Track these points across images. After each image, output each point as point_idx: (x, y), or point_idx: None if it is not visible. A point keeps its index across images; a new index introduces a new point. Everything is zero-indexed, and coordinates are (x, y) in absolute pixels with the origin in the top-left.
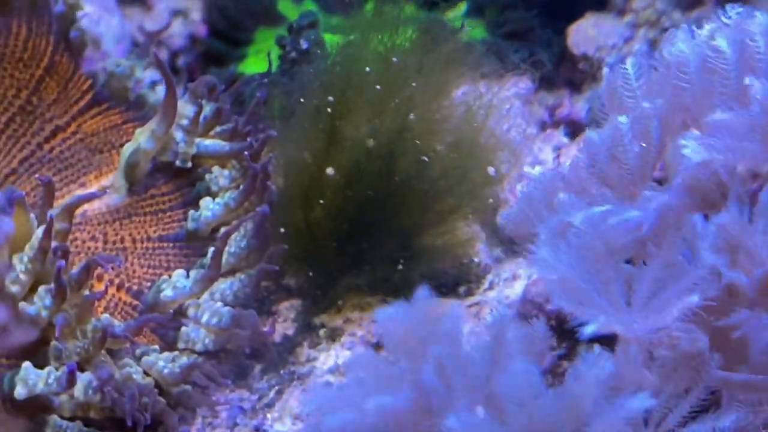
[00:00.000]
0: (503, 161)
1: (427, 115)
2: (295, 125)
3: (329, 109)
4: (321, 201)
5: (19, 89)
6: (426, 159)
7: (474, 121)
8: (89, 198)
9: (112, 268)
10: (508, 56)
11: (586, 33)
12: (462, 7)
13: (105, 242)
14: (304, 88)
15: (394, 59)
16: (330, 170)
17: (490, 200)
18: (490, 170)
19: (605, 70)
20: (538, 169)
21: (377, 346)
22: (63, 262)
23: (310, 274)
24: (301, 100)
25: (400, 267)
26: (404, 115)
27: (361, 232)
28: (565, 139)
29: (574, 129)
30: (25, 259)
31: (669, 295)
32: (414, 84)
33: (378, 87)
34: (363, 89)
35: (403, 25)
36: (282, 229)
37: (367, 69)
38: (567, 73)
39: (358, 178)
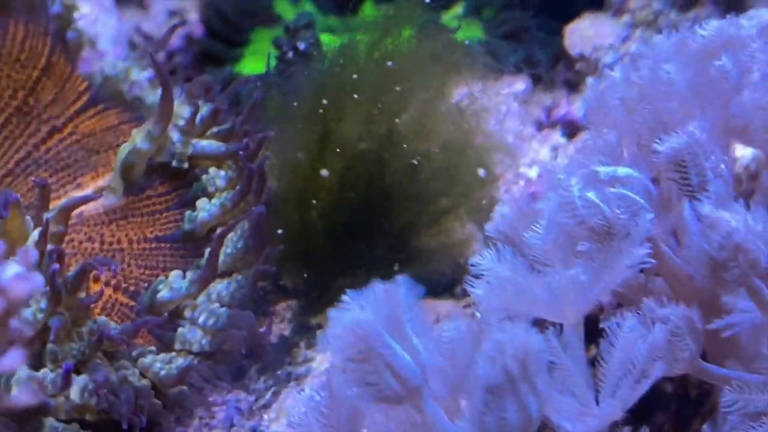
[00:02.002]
0: (498, 162)
1: (421, 117)
2: (290, 126)
3: (321, 111)
4: (315, 202)
5: (16, 90)
6: (419, 160)
7: (467, 123)
8: (85, 200)
9: (108, 271)
10: (505, 56)
11: (583, 33)
12: (459, 8)
13: (102, 243)
14: (299, 89)
15: (389, 63)
16: (324, 171)
17: (484, 201)
18: (480, 172)
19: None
20: (535, 170)
21: None
22: (57, 265)
23: (306, 274)
24: (294, 103)
25: (396, 268)
26: (398, 117)
27: (357, 232)
28: (562, 140)
29: (571, 129)
30: None
31: None
32: (409, 86)
33: (371, 89)
34: (357, 91)
35: (399, 25)
36: (279, 230)
37: (354, 76)
38: (564, 73)
39: (352, 180)
